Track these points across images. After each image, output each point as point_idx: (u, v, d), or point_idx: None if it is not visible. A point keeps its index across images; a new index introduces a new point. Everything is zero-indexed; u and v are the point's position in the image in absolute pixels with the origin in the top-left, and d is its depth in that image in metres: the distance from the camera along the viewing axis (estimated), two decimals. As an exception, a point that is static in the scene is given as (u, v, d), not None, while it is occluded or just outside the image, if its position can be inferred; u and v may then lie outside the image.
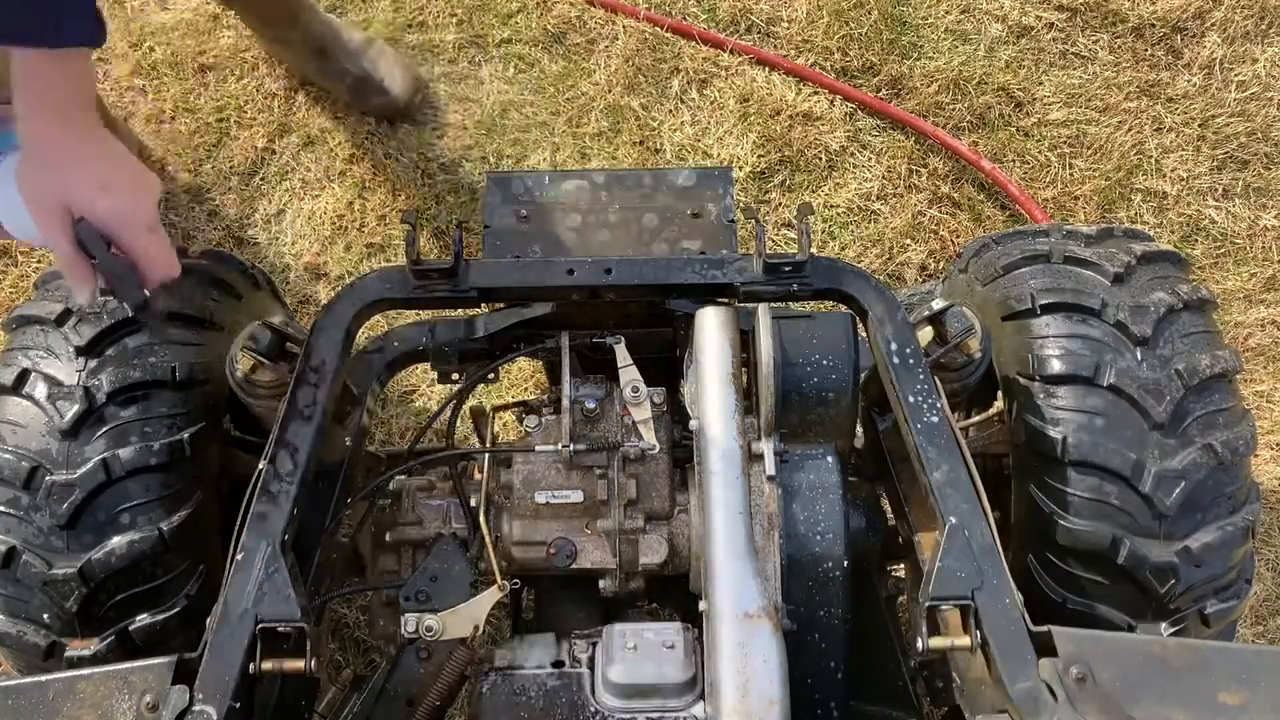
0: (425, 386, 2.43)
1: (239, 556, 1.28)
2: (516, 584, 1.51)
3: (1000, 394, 1.68)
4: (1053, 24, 2.72)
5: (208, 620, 1.27)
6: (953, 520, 1.31)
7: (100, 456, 1.44)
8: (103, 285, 1.30)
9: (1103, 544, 1.47)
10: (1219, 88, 2.68)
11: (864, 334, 1.51)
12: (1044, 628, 1.25)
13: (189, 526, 1.48)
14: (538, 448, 1.49)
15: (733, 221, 1.67)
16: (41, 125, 1.20)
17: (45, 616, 1.46)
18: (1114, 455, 1.47)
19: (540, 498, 1.49)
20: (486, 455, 1.57)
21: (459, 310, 1.56)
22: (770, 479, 1.42)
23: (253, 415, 1.62)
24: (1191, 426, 1.49)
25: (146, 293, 1.31)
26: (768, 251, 1.47)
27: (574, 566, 1.49)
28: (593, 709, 1.29)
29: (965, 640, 1.26)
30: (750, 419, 1.46)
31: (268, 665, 1.25)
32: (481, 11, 2.73)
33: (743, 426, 1.41)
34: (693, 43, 2.68)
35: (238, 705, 1.20)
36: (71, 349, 1.50)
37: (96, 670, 1.22)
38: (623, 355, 1.50)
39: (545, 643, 1.42)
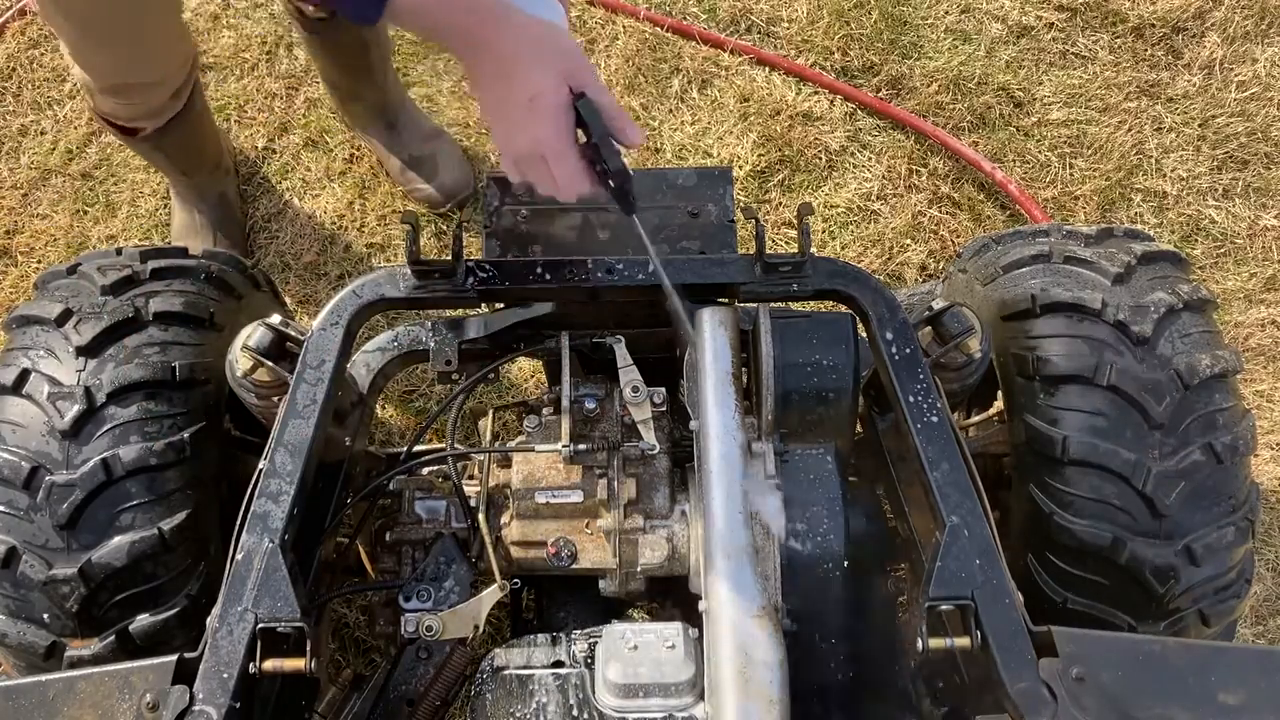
0: (425, 386, 2.42)
1: (239, 556, 1.28)
2: (516, 584, 1.51)
3: (1000, 394, 1.68)
4: (1053, 24, 2.72)
5: (208, 620, 1.27)
6: (953, 520, 1.31)
7: (100, 456, 1.44)
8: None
9: (1103, 544, 1.47)
10: (1219, 88, 2.68)
11: (864, 334, 1.51)
12: (1044, 628, 1.24)
13: (189, 526, 1.48)
14: (538, 448, 1.49)
15: (732, 221, 1.66)
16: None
17: (45, 616, 1.46)
18: (1114, 455, 1.47)
19: (540, 498, 1.49)
20: (486, 455, 1.57)
21: (459, 310, 1.56)
22: (770, 479, 1.42)
23: (253, 415, 1.62)
24: (1191, 426, 1.49)
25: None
26: (768, 251, 1.47)
27: (574, 566, 1.49)
28: (592, 709, 1.29)
29: (965, 640, 1.25)
30: (750, 419, 1.46)
31: (268, 665, 1.24)
32: (481, 11, 2.72)
33: (743, 426, 1.41)
34: (693, 43, 2.68)
35: (238, 705, 1.19)
36: (71, 349, 1.50)
37: (96, 670, 1.22)
38: (623, 355, 1.50)
39: (545, 643, 1.42)
